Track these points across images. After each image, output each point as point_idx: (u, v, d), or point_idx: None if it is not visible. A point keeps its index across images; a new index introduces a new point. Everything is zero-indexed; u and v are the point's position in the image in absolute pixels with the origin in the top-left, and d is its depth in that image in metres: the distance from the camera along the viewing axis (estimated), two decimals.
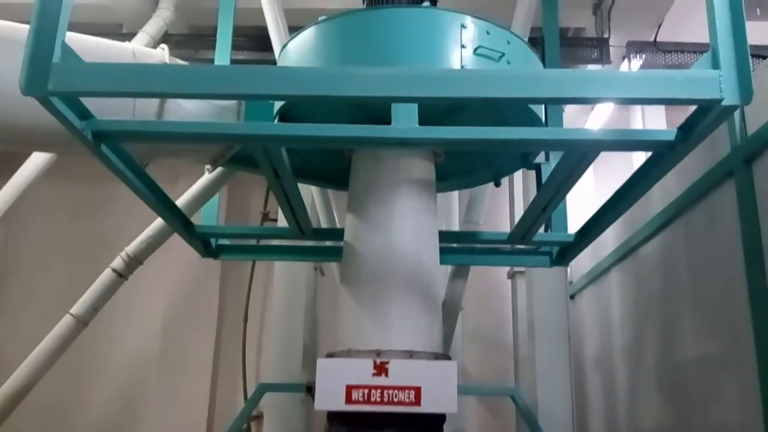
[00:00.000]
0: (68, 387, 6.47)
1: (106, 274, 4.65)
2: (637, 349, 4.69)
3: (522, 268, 5.83)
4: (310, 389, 2.84)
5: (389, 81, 2.23)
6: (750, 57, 2.10)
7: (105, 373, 6.60)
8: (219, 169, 3.73)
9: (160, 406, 6.31)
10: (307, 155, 3.46)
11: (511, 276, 6.48)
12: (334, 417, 2.86)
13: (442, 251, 3.27)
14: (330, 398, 2.71)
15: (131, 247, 4.59)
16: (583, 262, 5.69)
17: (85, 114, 2.37)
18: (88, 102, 2.37)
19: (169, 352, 6.44)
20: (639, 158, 5.21)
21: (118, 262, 4.63)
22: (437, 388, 2.71)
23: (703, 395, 3.68)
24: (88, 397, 6.53)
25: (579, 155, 2.66)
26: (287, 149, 2.82)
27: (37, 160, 5.50)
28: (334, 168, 3.52)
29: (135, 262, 4.62)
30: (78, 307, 4.61)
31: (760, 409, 3.02)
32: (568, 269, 5.28)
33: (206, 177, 3.94)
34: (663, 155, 2.58)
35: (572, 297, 5.85)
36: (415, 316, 2.95)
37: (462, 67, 2.81)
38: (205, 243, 3.91)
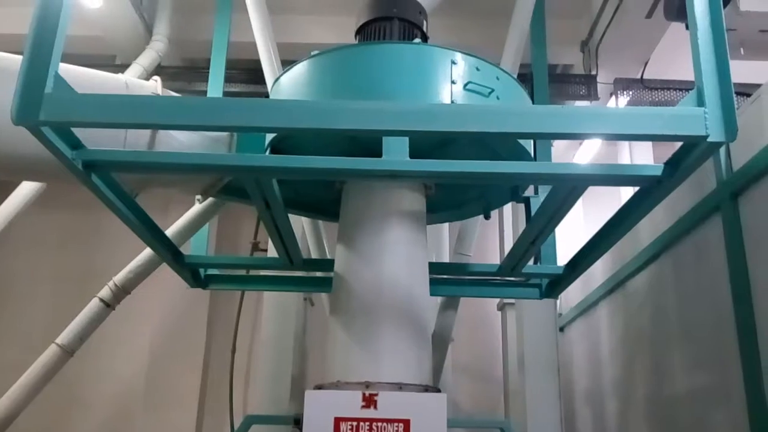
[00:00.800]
0: (53, 417, 6.36)
1: (93, 304, 4.61)
2: (626, 383, 4.68)
3: (512, 300, 5.84)
4: (297, 422, 2.81)
5: (380, 115, 2.26)
6: (734, 95, 2.15)
7: (90, 404, 6.50)
8: (210, 199, 3.74)
9: None
10: (298, 186, 3.47)
11: (501, 308, 6.48)
12: None
13: (432, 282, 3.27)
14: (318, 431, 2.68)
15: (119, 277, 4.56)
16: (573, 294, 5.70)
17: (75, 144, 2.38)
18: (79, 132, 2.38)
19: (155, 382, 6.36)
20: (627, 192, 5.27)
21: (105, 292, 4.59)
22: (427, 421, 2.68)
23: (693, 430, 3.66)
24: (73, 428, 6.41)
25: (567, 189, 2.68)
26: (278, 180, 2.84)
27: (26, 189, 5.48)
28: (325, 199, 3.53)
29: (122, 291, 4.58)
30: (64, 337, 4.56)
31: None
32: (558, 301, 5.28)
33: (197, 207, 3.94)
34: (650, 189, 2.60)
35: (562, 329, 5.84)
36: (405, 348, 2.94)
37: (452, 101, 2.85)
38: (194, 273, 3.90)
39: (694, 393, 3.67)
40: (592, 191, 3.02)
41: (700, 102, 2.16)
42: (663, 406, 4.06)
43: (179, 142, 2.96)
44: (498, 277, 4.07)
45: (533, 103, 3.56)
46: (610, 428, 4.95)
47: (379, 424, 2.67)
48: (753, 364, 3.04)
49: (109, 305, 4.60)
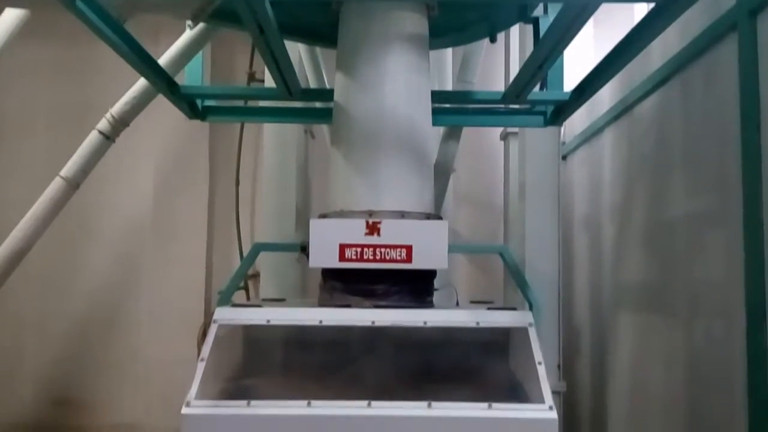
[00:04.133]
0: (64, 252, 6.59)
1: (93, 137, 4.56)
2: (626, 208, 4.76)
3: (515, 129, 5.78)
4: (304, 248, 2.89)
5: None
6: None
7: (100, 238, 6.69)
8: (201, 25, 3.56)
9: (157, 269, 6.47)
10: (292, 9, 3.28)
11: (504, 137, 6.43)
12: (328, 274, 2.93)
13: (435, 111, 3.20)
14: (324, 256, 2.77)
15: (116, 109, 4.47)
16: (577, 122, 5.63)
17: None
18: None
19: (162, 215, 6.50)
20: (641, 11, 4.99)
21: (103, 125, 4.52)
22: (428, 246, 2.76)
23: (689, 252, 3.77)
24: (85, 262, 6.66)
25: (579, 7, 2.53)
26: (272, 2, 2.66)
27: (8, 19, 5.21)
28: (321, 23, 3.35)
29: (121, 124, 4.51)
30: (67, 170, 4.56)
31: (742, 265, 3.11)
32: (562, 129, 5.23)
33: (188, 34, 3.76)
34: (666, 6, 2.45)
35: (564, 158, 5.85)
36: (407, 177, 2.95)
37: None
38: (191, 104, 3.81)
39: (692, 217, 3.73)
40: (605, 11, 2.85)
41: None
42: (660, 231, 4.15)
43: None
44: (502, 105, 3.98)
45: None
46: (606, 253, 5.12)
47: (383, 249, 2.75)
48: (754, 188, 3.05)
49: (108, 138, 4.55)
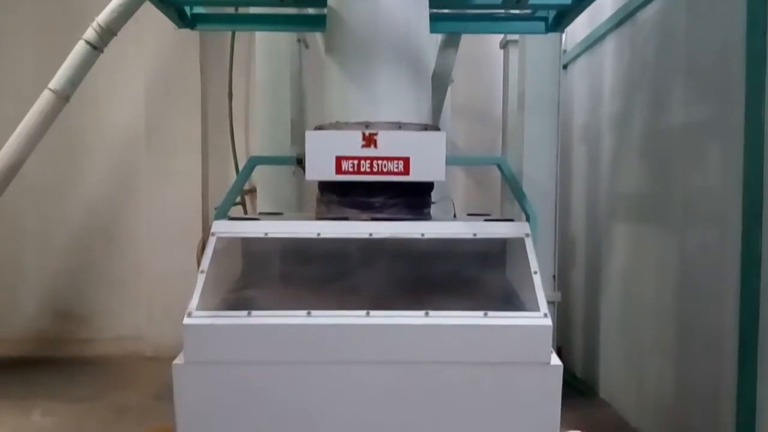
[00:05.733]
0: (60, 167, 6.54)
1: (80, 47, 4.41)
2: (625, 118, 4.70)
3: (515, 37, 5.62)
4: (300, 161, 2.85)
5: None
6: None
7: (95, 153, 6.62)
8: None
9: (153, 183, 6.44)
10: None
11: (504, 46, 6.27)
12: (325, 187, 2.91)
13: (432, 18, 3.08)
14: (320, 169, 2.73)
15: (102, 17, 4.29)
16: (579, 30, 5.47)
17: None
18: None
19: (155, 130, 6.41)
20: None
21: (90, 34, 4.36)
22: (426, 158, 2.72)
23: (687, 162, 3.75)
24: (81, 176, 6.62)
25: None
26: None
27: None
28: None
29: (108, 33, 4.35)
30: (56, 82, 4.44)
31: (740, 174, 3.10)
32: (563, 37, 5.08)
33: None
34: None
35: (565, 67, 5.72)
36: (404, 88, 2.87)
37: None
38: (179, 11, 3.67)
39: (692, 126, 3.69)
40: None
41: None
42: (659, 140, 4.12)
43: None
44: (502, 11, 3.84)
45: None
46: (604, 163, 5.10)
47: (380, 161, 2.71)
48: (756, 95, 3.00)
49: (96, 48, 4.40)
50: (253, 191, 5.95)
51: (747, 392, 3.01)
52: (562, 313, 5.36)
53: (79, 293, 6.64)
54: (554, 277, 4.96)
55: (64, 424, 4.61)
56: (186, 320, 2.38)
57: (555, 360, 2.39)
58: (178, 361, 2.40)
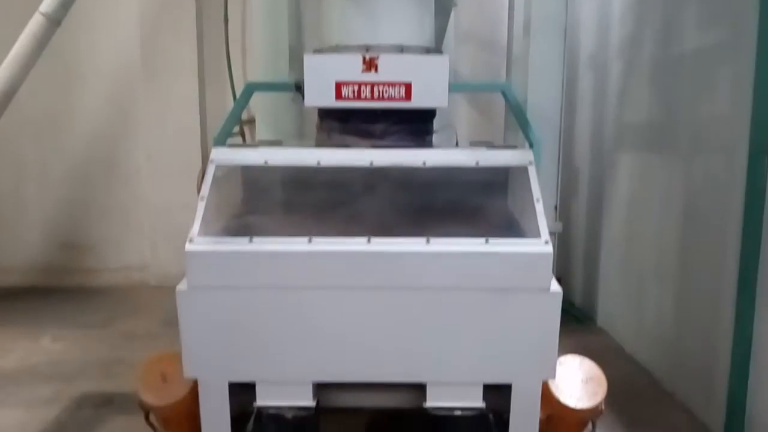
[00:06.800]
0: (56, 95, 6.43)
1: None
2: (633, 45, 4.58)
3: None
4: (299, 87, 2.78)
5: None
6: None
7: (90, 80, 6.48)
8: None
9: (151, 112, 6.34)
10: None
11: None
12: (325, 114, 2.86)
13: None
14: (319, 95, 2.67)
15: None
16: None
17: None
18: None
19: (151, 56, 6.26)
20: None
21: None
22: (428, 83, 2.65)
23: (695, 89, 3.67)
24: (78, 104, 6.51)
25: None
26: None
27: None
28: None
29: None
30: (46, 5, 4.30)
31: (749, 103, 3.03)
32: None
33: None
34: None
35: None
36: (406, 9, 2.79)
37: None
38: None
39: (702, 52, 3.59)
40: None
41: None
42: (668, 67, 4.02)
43: None
44: None
45: None
46: (610, 91, 5.00)
47: (381, 87, 2.65)
48: None
49: None
50: (251, 122, 5.86)
51: (745, 321, 3.04)
52: (563, 243, 5.38)
53: (82, 224, 6.66)
54: (556, 207, 4.94)
55: (74, 349, 4.71)
56: (188, 246, 2.38)
57: (555, 287, 2.40)
58: (182, 287, 2.42)
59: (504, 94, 3.16)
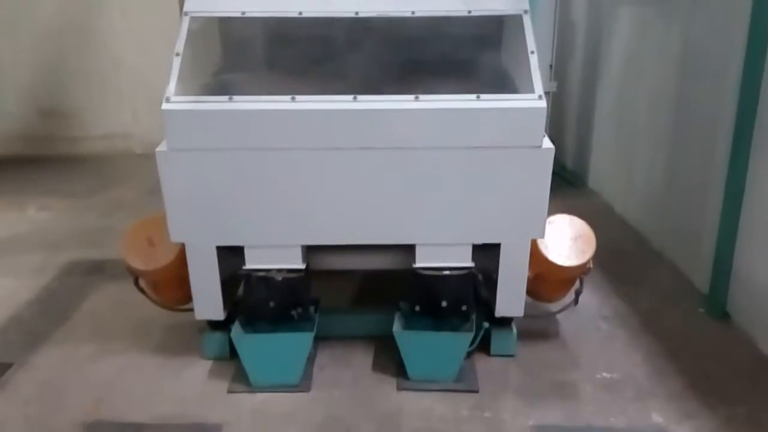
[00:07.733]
0: None
1: None
2: None
3: None
4: None
5: None
6: None
7: None
8: None
9: None
10: None
11: None
12: None
13: None
14: None
15: None
16: None
17: None
18: None
19: None
20: None
21: None
22: None
23: None
24: None
25: None
26: None
27: None
28: None
29: None
30: None
31: None
32: None
33: None
34: None
35: None
36: None
37: None
38: None
39: None
40: None
41: None
42: None
43: None
44: None
45: None
46: None
47: None
48: None
49: None
50: None
51: (737, 177, 2.99)
52: (556, 105, 5.24)
53: (60, 90, 6.40)
54: (551, 66, 4.78)
55: (61, 218, 4.67)
56: (164, 105, 2.26)
57: (547, 143, 2.33)
58: (161, 148, 2.33)
59: None
